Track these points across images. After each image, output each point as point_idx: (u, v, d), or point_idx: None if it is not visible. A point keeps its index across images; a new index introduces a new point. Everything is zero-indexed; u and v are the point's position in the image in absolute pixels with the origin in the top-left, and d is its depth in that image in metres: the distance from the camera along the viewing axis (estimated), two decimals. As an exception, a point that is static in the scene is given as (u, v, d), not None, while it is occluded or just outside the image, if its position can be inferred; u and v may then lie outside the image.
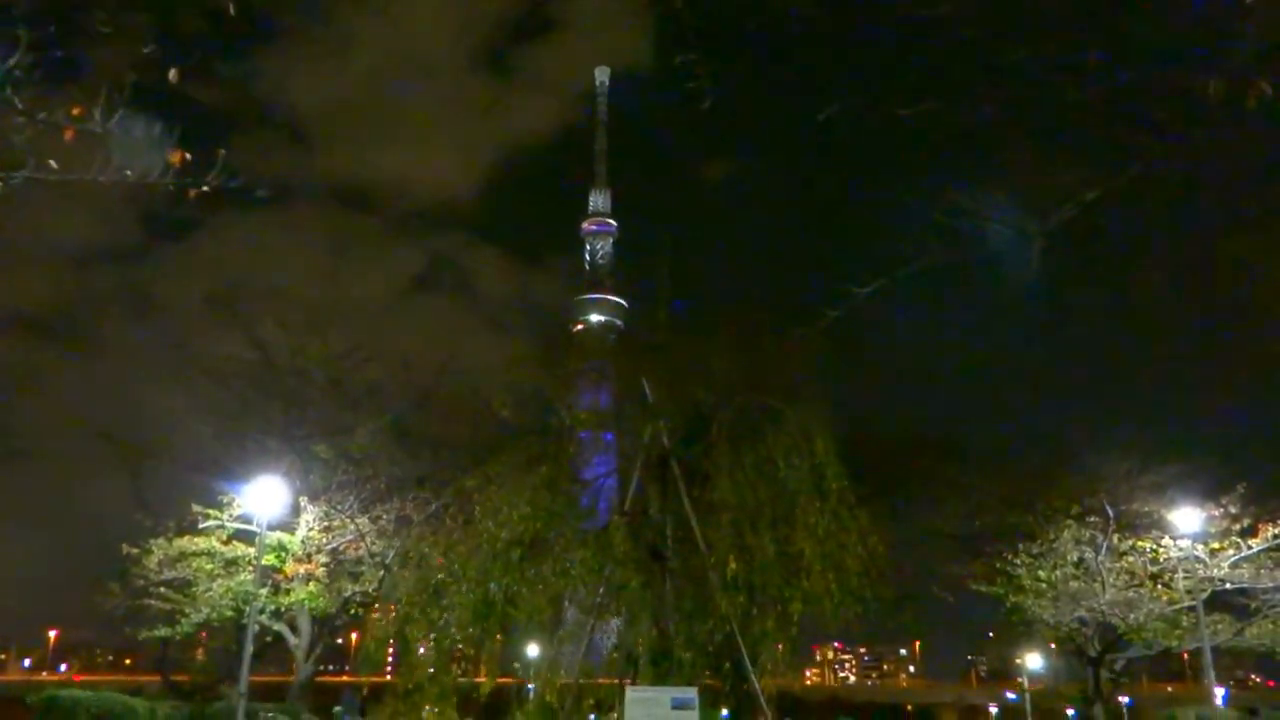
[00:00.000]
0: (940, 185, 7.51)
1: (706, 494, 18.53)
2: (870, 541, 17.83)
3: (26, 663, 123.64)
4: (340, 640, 35.12)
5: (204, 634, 34.43)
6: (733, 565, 17.02)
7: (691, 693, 13.56)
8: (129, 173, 6.99)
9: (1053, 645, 42.48)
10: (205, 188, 7.21)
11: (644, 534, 19.13)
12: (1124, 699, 59.36)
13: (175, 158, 7.07)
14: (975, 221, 7.21)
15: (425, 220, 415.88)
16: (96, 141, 6.69)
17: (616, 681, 19.70)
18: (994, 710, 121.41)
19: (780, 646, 17.93)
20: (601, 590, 17.90)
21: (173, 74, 6.65)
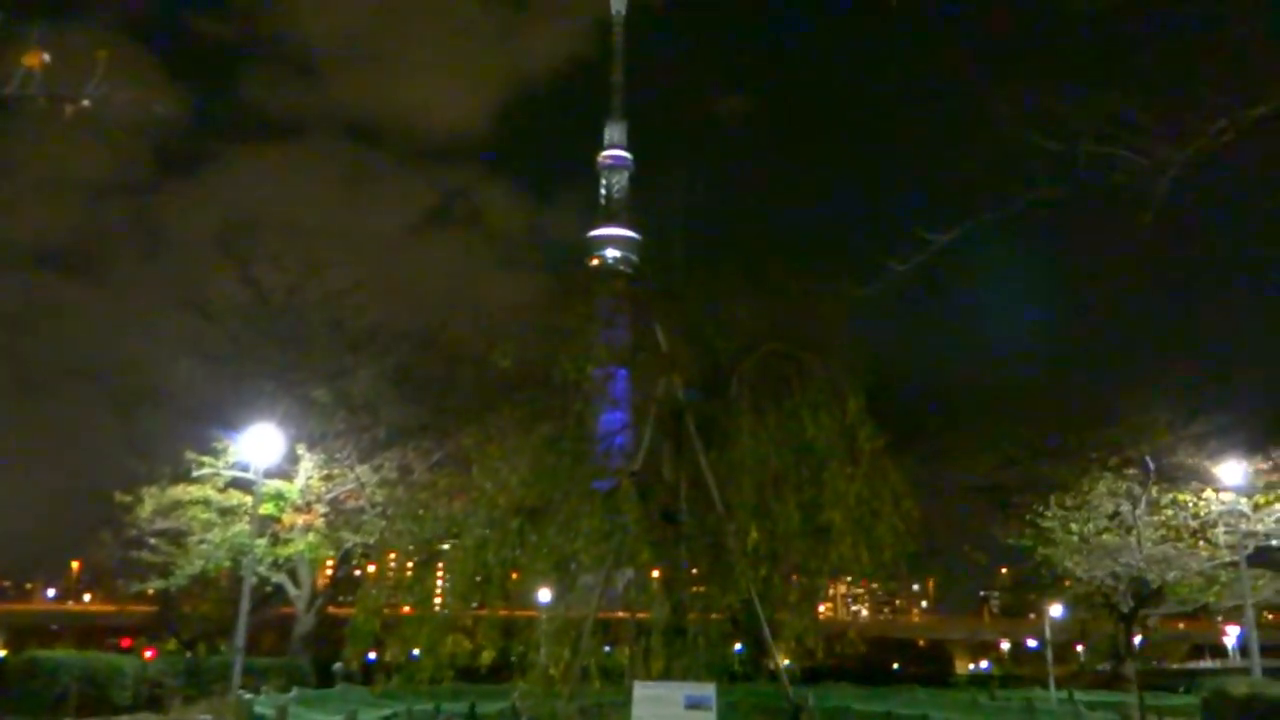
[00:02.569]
0: (1045, 99, 5.61)
1: (725, 454, 16.88)
2: (904, 506, 16.22)
3: (51, 593, 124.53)
4: (358, 572, 33.81)
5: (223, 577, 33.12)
6: (754, 535, 15.42)
7: (709, 690, 12.08)
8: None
9: (1061, 603, 40.84)
10: (85, 101, 5.58)
11: (656, 495, 17.56)
12: (1135, 638, 57.94)
13: (32, 59, 5.39)
14: (1098, 146, 5.37)
15: (437, 154, 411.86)
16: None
17: (629, 615, 18.32)
18: (1005, 646, 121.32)
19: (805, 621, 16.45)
20: (610, 559, 16.39)
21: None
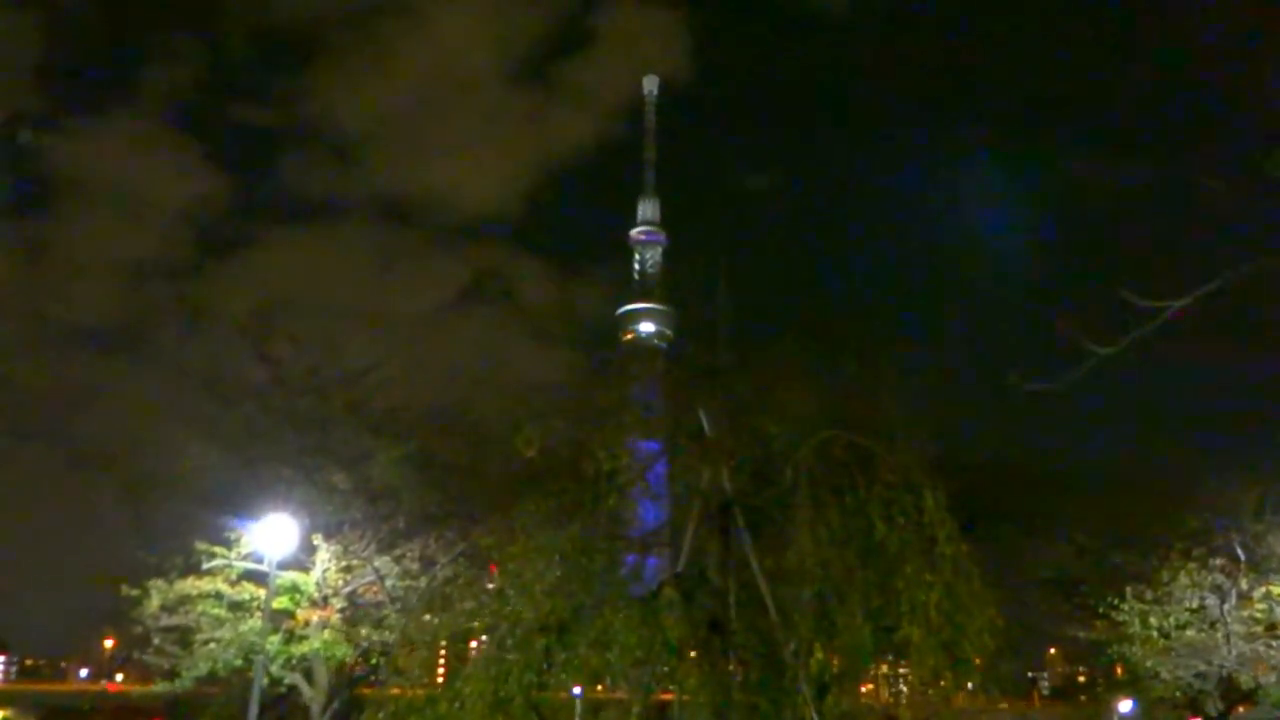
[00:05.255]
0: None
1: (781, 556, 14.78)
2: (989, 615, 14.01)
3: (84, 673, 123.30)
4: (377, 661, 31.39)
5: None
6: (818, 655, 13.30)
7: None
8: None
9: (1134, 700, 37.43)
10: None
11: (701, 601, 15.45)
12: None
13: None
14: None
15: (469, 233, 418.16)
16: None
17: None
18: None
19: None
20: (649, 678, 14.30)
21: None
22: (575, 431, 16.64)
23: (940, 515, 13.37)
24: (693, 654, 15.45)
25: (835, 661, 14.35)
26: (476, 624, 15.18)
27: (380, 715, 14.51)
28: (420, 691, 14.85)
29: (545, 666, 13.76)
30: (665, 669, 14.38)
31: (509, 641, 13.63)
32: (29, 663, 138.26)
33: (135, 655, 29.55)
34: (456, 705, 14.22)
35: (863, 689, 21.34)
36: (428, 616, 18.39)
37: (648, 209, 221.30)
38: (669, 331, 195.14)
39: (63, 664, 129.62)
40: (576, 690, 26.08)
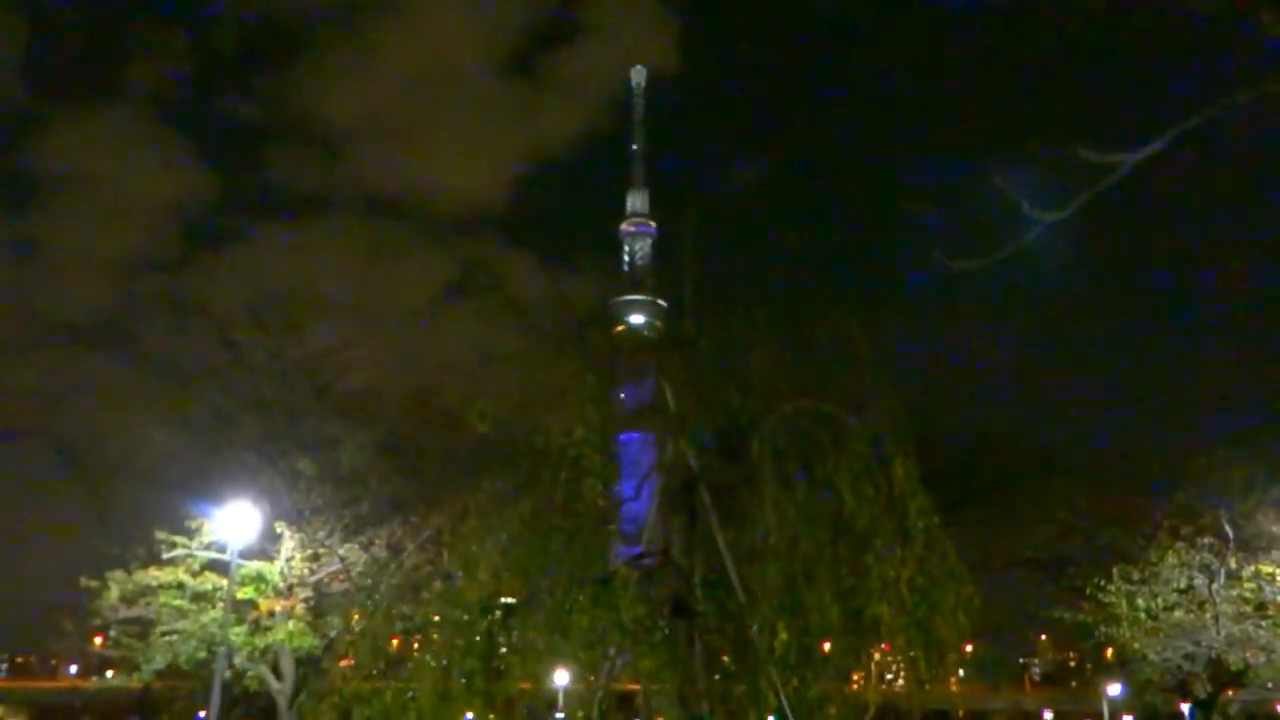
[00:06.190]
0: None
1: (746, 535, 14.00)
2: (965, 593, 13.28)
3: (73, 669, 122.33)
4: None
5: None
6: (783, 635, 12.53)
7: None
8: None
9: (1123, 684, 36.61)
10: None
11: (664, 582, 14.68)
12: (1185, 706, 52.81)
13: None
14: None
15: (458, 226, 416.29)
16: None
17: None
18: (1048, 717, 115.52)
19: None
20: (605, 666, 13.51)
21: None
22: (531, 406, 15.80)
23: (912, 486, 12.62)
24: (659, 638, 14.72)
25: (804, 643, 13.54)
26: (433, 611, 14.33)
27: (323, 706, 13.72)
28: (366, 684, 14.06)
29: (497, 651, 12.98)
30: (626, 654, 13.59)
31: (453, 627, 12.85)
32: (20, 660, 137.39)
33: (88, 649, 28.49)
34: (408, 695, 13.47)
35: (855, 677, 20.63)
36: (370, 603, 17.53)
37: (636, 200, 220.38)
38: (659, 323, 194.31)
39: (53, 661, 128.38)
40: (561, 681, 25.28)
